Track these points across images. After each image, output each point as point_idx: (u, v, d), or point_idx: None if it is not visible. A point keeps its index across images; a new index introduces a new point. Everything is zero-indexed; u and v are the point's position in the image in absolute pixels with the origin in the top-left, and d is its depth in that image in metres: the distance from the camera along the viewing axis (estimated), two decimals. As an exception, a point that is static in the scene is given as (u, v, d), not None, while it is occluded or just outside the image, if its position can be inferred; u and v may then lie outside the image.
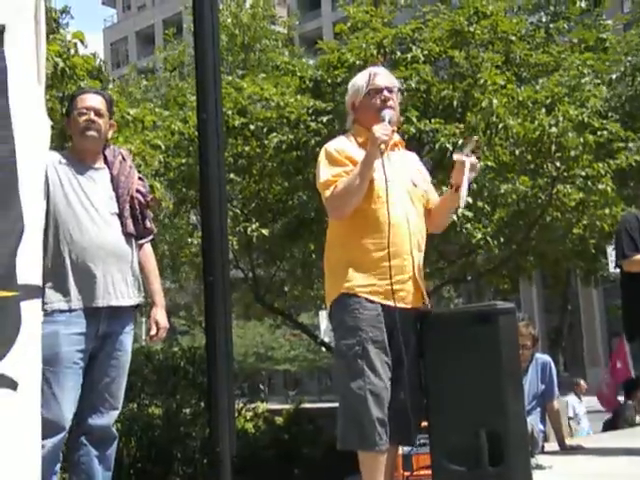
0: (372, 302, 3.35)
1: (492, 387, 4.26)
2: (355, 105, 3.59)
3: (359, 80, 3.61)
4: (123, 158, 3.81)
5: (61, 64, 6.73)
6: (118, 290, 3.59)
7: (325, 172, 3.43)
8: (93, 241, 3.53)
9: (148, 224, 3.84)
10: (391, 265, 3.36)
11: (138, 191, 3.77)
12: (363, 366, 3.28)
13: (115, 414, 3.65)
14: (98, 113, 3.70)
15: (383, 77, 3.61)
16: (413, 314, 3.49)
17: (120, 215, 3.67)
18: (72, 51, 7.16)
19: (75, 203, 3.56)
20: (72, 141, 3.78)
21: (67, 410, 3.44)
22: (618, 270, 5.68)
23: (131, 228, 3.69)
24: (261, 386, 33.34)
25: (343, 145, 3.50)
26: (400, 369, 3.36)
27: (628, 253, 5.32)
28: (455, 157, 3.58)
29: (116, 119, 7.63)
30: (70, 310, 3.48)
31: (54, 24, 10.18)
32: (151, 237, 3.91)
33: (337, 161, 3.44)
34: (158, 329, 3.76)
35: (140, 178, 3.88)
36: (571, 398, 13.34)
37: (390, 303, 3.36)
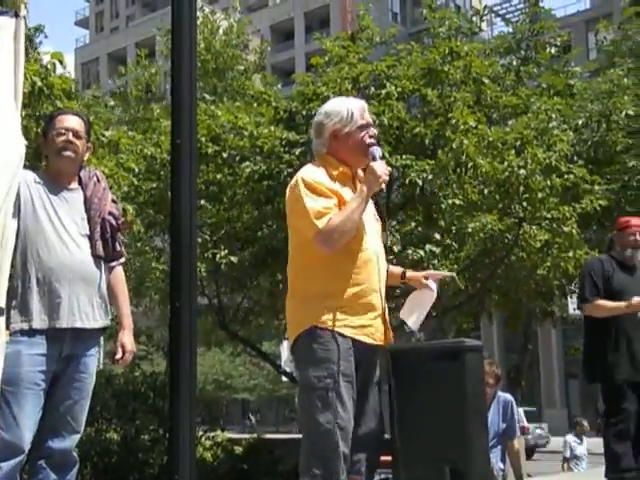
0: (344, 336, 3.30)
1: (457, 423, 4.30)
2: (338, 135, 3.45)
3: (345, 109, 3.46)
4: (98, 180, 3.79)
5: (39, 83, 6.72)
6: (83, 312, 3.55)
7: (312, 203, 3.30)
8: (61, 261, 3.50)
9: (118, 247, 3.80)
10: (365, 302, 3.36)
11: (111, 213, 3.74)
12: (333, 399, 3.23)
13: (76, 438, 3.59)
14: (76, 134, 3.68)
15: (368, 112, 3.58)
16: (378, 350, 3.48)
17: (90, 237, 3.64)
18: (50, 71, 7.14)
19: (45, 222, 3.53)
20: (47, 161, 3.74)
21: (26, 432, 3.38)
22: (579, 312, 5.78)
23: (100, 250, 3.65)
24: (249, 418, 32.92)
25: (320, 177, 3.38)
26: (361, 404, 3.37)
27: (589, 298, 5.41)
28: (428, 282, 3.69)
29: (91, 140, 7.66)
30: (33, 330, 3.42)
31: (27, 42, 10.19)
32: (122, 260, 3.87)
33: (322, 193, 3.33)
34: (124, 352, 3.72)
35: (114, 201, 3.86)
36: (569, 438, 13.05)
37: (361, 338, 3.35)
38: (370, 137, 3.45)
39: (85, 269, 3.58)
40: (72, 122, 3.71)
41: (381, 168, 3.35)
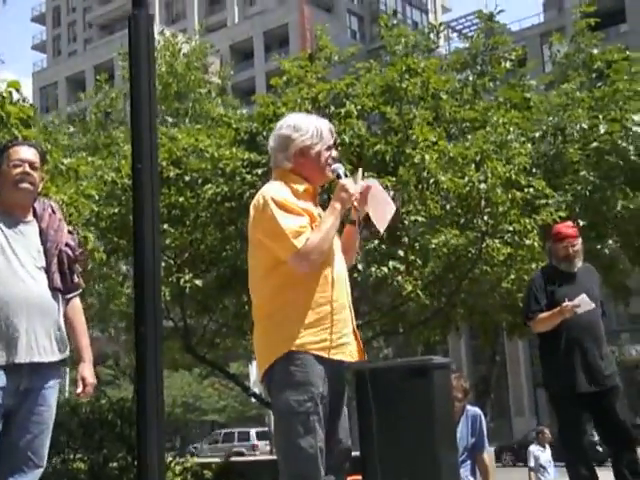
0: (321, 358, 3.26)
1: (426, 441, 4.31)
2: (305, 152, 3.38)
3: (314, 127, 3.41)
4: (53, 211, 3.72)
5: (-4, 112, 6.66)
6: (41, 346, 3.47)
7: (288, 222, 3.22)
8: (17, 295, 3.42)
9: (76, 279, 3.74)
10: (339, 318, 3.33)
11: (67, 245, 3.68)
12: (315, 423, 3.19)
13: (39, 472, 3.50)
14: (33, 166, 3.62)
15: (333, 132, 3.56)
16: (346, 367, 3.46)
17: (47, 269, 3.56)
18: (6, 99, 7.08)
19: (0, 258, 3.46)
20: (1, 194, 3.62)
21: None
22: None
23: (58, 283, 3.58)
24: (193, 447, 32.57)
25: (287, 195, 3.30)
26: (333, 422, 3.33)
27: (531, 315, 5.43)
28: (348, 184, 3.38)
29: (49, 168, 7.60)
30: None
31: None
32: (78, 292, 3.80)
33: (294, 211, 3.26)
34: (85, 385, 3.66)
35: (70, 232, 3.79)
36: (533, 447, 13.02)
37: (339, 357, 3.32)
38: (332, 157, 3.44)
39: (42, 302, 3.51)
40: (28, 153, 3.65)
41: (352, 185, 3.34)
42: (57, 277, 3.59)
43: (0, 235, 3.50)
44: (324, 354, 3.27)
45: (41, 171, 3.70)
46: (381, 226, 3.49)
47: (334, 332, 3.30)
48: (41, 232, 3.62)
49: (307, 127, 3.39)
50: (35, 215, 3.66)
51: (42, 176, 3.74)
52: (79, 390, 3.66)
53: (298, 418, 3.20)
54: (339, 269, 3.40)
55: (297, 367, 3.23)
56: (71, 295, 3.73)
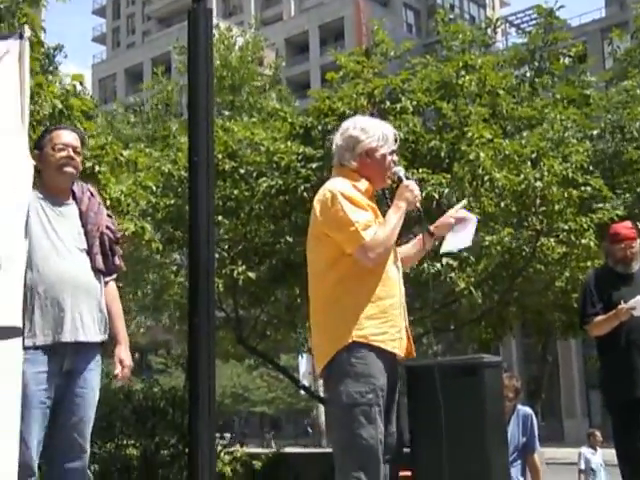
0: (381, 350, 3.34)
1: (476, 440, 4.31)
2: (371, 154, 3.52)
3: (381, 131, 3.56)
4: (92, 194, 3.77)
5: (59, 105, 6.79)
6: (86, 326, 3.50)
7: (357, 215, 3.35)
8: (61, 276, 3.46)
9: (117, 261, 3.76)
10: (396, 314, 3.42)
11: (107, 227, 3.71)
12: (376, 415, 3.26)
13: (86, 457, 3.53)
14: (76, 150, 3.67)
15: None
16: (400, 363, 3.54)
17: (89, 251, 3.60)
18: (70, 92, 7.23)
19: (42, 238, 3.48)
20: (42, 176, 3.64)
21: (35, 453, 3.35)
22: None
23: (100, 264, 3.62)
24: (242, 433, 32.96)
25: (354, 192, 3.44)
26: (386, 418, 3.39)
27: (587, 319, 5.31)
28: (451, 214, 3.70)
29: (109, 160, 7.75)
30: (36, 347, 3.37)
31: (47, 61, 10.29)
32: (114, 276, 3.83)
33: (362, 207, 3.40)
34: (123, 367, 3.67)
35: (109, 215, 3.83)
36: (584, 449, 12.84)
37: (395, 351, 3.40)
38: (394, 161, 3.59)
39: (86, 283, 3.55)
40: (70, 138, 3.70)
41: (416, 187, 3.50)
42: (99, 258, 3.63)
43: (43, 216, 3.54)
44: (385, 346, 3.35)
45: (81, 155, 3.75)
46: (446, 247, 3.72)
47: (394, 326, 3.40)
48: (81, 214, 3.67)
49: (374, 130, 3.55)
50: (74, 198, 3.70)
51: (82, 160, 3.79)
52: (117, 371, 3.67)
53: (360, 409, 3.26)
54: (396, 271, 3.51)
55: (358, 359, 3.30)
56: (107, 279, 3.76)
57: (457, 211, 3.73)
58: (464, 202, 3.96)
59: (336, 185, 3.45)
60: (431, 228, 3.68)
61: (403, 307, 3.50)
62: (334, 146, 3.63)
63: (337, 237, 3.38)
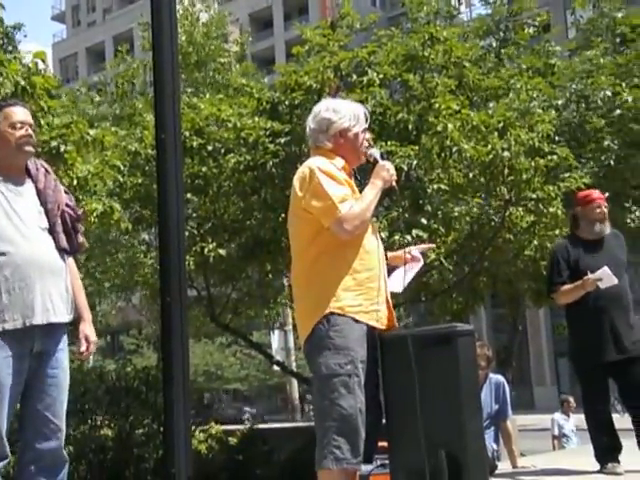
0: (358, 322, 3.43)
1: (451, 407, 4.33)
2: (344, 134, 3.62)
3: (352, 111, 3.65)
4: (47, 171, 3.65)
5: (22, 83, 6.68)
6: (56, 306, 3.44)
7: (334, 189, 3.44)
8: (27, 258, 3.35)
9: (80, 239, 3.68)
10: (374, 286, 3.50)
11: (67, 205, 3.62)
12: (354, 385, 3.35)
13: (62, 436, 3.49)
14: (32, 127, 3.57)
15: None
16: (376, 334, 3.58)
17: (52, 230, 3.51)
18: (32, 70, 7.11)
19: (4, 219, 3.38)
20: None
21: (5, 437, 3.32)
22: None
23: (64, 243, 3.53)
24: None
25: (332, 167, 3.54)
26: (366, 388, 3.45)
27: (553, 288, 5.39)
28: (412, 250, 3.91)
29: (75, 139, 7.64)
30: (5, 332, 3.30)
31: (6, 40, 10.12)
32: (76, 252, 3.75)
33: (340, 181, 3.50)
34: (88, 344, 3.61)
35: (66, 192, 3.72)
36: (557, 415, 13.12)
37: (373, 323, 3.49)
38: (366, 140, 3.69)
39: (52, 263, 3.46)
40: (25, 115, 3.58)
41: (392, 167, 3.60)
42: (63, 237, 3.54)
43: (1, 198, 3.44)
44: (359, 317, 3.43)
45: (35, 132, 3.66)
46: (392, 286, 3.78)
47: (370, 298, 3.48)
48: (39, 193, 3.56)
49: (345, 111, 3.65)
50: (29, 176, 3.59)
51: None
52: (82, 348, 3.60)
53: (339, 379, 3.35)
54: (376, 244, 3.61)
55: (336, 332, 3.39)
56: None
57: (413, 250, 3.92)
58: (431, 245, 4.39)
59: (314, 162, 3.55)
60: (388, 254, 3.82)
61: (385, 278, 3.58)
62: (308, 130, 3.72)
63: (315, 211, 3.45)
